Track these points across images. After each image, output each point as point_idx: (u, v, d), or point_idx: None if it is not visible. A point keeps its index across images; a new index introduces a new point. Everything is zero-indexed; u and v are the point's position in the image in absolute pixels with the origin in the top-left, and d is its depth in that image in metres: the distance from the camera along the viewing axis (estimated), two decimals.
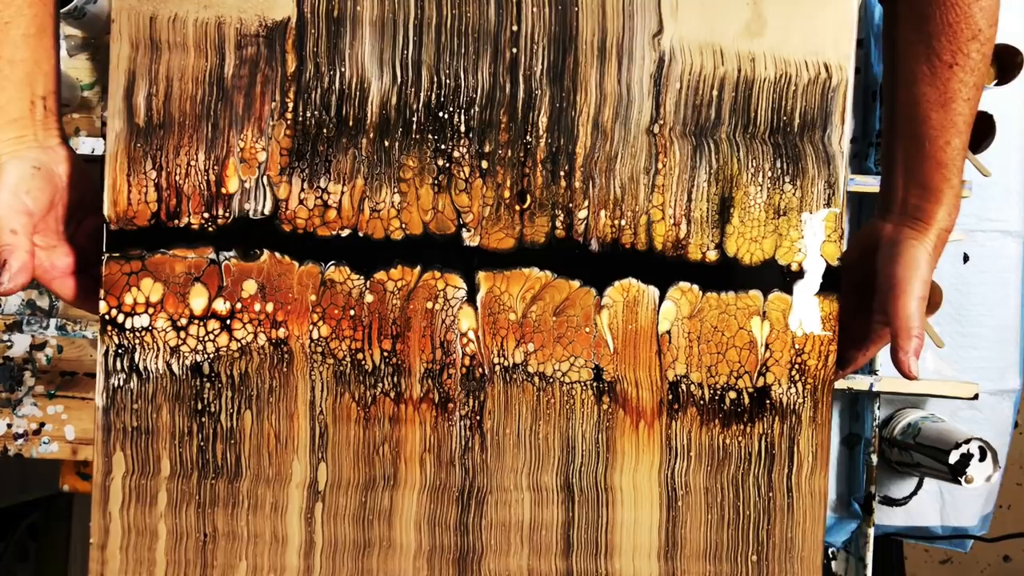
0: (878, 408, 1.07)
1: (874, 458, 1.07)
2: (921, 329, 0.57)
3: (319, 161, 0.59)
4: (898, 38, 0.59)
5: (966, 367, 1.11)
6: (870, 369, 1.07)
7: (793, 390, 0.60)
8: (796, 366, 0.59)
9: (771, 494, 0.60)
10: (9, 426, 1.05)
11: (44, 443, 1.05)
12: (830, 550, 1.10)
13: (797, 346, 0.59)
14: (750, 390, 0.60)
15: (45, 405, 1.05)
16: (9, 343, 1.05)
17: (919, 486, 1.12)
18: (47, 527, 1.58)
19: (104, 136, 0.92)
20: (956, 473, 1.00)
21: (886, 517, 1.13)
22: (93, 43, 1.06)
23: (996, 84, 1.04)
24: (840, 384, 1.01)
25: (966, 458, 1.00)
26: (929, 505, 1.13)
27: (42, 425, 1.05)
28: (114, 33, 0.58)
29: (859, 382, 1.05)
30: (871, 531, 1.07)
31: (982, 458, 1.00)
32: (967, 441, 0.99)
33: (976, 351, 1.11)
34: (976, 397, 1.05)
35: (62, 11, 0.94)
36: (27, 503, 1.52)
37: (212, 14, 0.58)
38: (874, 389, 1.05)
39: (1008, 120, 1.07)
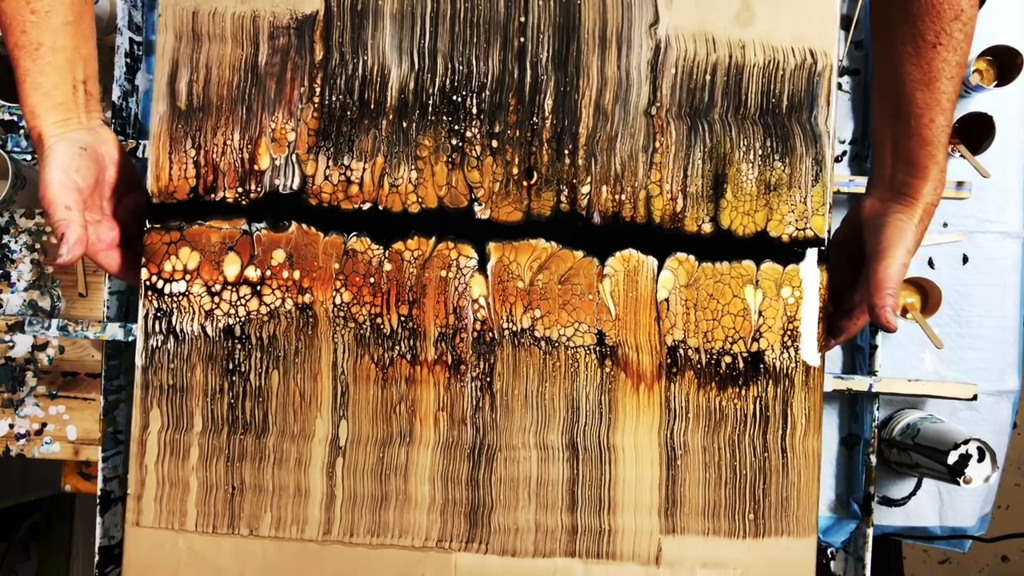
0: (877, 409, 1.02)
1: (873, 459, 1.01)
2: (897, 289, 0.55)
3: (343, 141, 0.59)
4: (884, 19, 0.57)
5: (965, 368, 1.06)
6: (869, 370, 1.03)
7: (786, 355, 0.58)
8: (788, 332, 0.58)
9: (766, 454, 0.58)
10: (11, 426, 1.00)
11: (46, 443, 1.00)
12: (829, 550, 1.05)
13: (788, 313, 0.58)
14: (745, 355, 0.58)
15: (47, 405, 1.00)
16: (11, 343, 1.00)
17: (918, 486, 1.06)
18: (49, 527, 1.50)
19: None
20: (955, 474, 0.94)
21: (885, 517, 1.07)
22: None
23: (996, 85, 0.99)
24: (839, 384, 0.98)
25: (965, 459, 0.95)
26: (928, 505, 1.08)
27: (44, 425, 1.00)
28: (160, 26, 0.60)
29: (858, 383, 1.00)
30: (870, 531, 1.01)
31: (981, 459, 0.95)
32: (966, 442, 0.94)
33: (975, 352, 1.06)
34: (975, 398, 0.99)
35: None
36: (29, 503, 1.44)
37: (248, 8, 0.59)
38: (873, 390, 1.00)
39: (1008, 121, 1.01)
